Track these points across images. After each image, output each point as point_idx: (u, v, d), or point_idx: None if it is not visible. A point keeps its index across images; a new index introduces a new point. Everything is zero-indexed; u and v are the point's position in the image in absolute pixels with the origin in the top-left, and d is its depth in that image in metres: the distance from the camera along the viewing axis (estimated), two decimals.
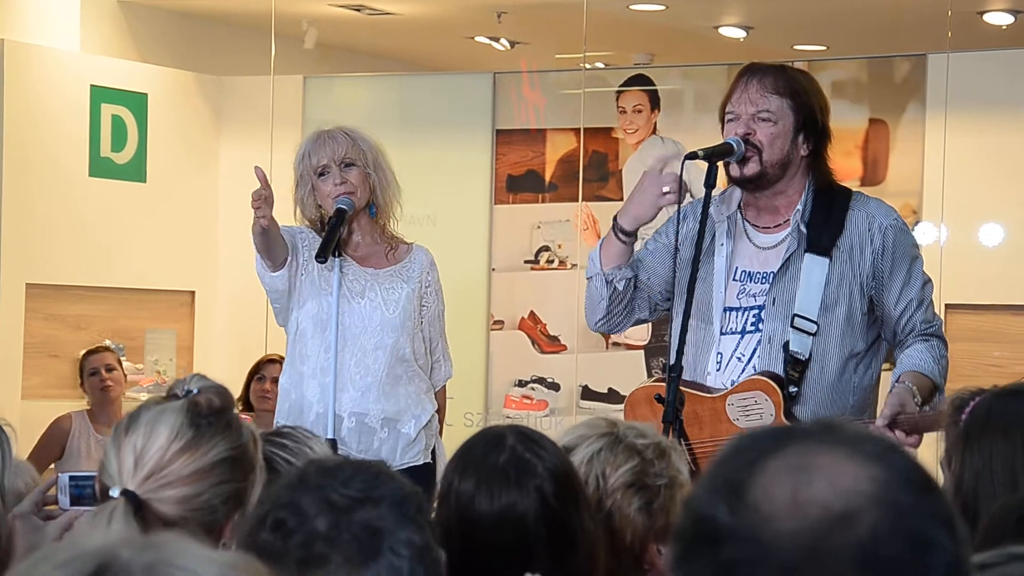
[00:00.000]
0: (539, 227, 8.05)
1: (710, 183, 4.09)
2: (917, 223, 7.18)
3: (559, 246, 8.00)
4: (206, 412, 2.47)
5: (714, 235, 4.22)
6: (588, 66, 8.45)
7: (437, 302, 4.93)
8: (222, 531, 2.45)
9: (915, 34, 8.00)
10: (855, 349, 4.13)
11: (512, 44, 9.29)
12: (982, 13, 8.09)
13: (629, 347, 7.61)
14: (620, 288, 4.29)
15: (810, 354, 4.10)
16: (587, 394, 7.88)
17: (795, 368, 4.09)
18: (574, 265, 7.94)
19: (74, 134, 8.03)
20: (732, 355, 4.16)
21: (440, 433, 4.95)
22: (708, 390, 4.15)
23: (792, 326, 4.10)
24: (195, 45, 8.94)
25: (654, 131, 7.82)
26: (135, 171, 8.28)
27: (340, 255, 4.76)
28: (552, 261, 8.02)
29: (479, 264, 8.04)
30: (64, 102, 7.99)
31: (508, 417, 7.88)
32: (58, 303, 8.00)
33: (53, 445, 7.02)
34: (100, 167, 8.14)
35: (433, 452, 4.86)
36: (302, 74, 8.60)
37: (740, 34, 8.89)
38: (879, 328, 4.20)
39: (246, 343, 7.93)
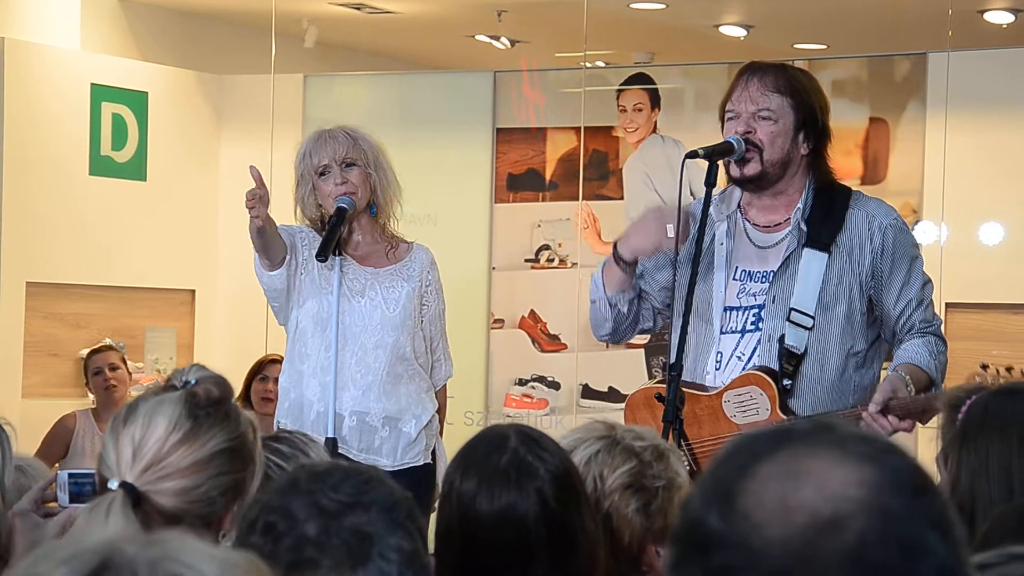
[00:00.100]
0: (539, 226, 8.04)
1: (710, 182, 4.09)
2: (917, 222, 7.18)
3: (559, 245, 8.00)
4: (204, 403, 2.46)
5: (714, 234, 4.22)
6: (588, 65, 8.45)
7: (438, 301, 4.93)
8: (221, 522, 2.44)
9: (915, 33, 8.00)
10: (855, 348, 4.13)
11: (512, 43, 9.29)
12: (982, 12, 8.09)
13: (629, 346, 7.61)
14: (624, 310, 4.30)
15: (806, 348, 4.10)
16: (587, 393, 7.88)
17: (790, 361, 4.09)
18: (574, 264, 7.94)
19: (74, 133, 8.03)
20: (732, 354, 4.16)
21: (440, 432, 4.95)
22: (705, 389, 4.15)
23: (788, 320, 4.10)
24: (195, 44, 8.94)
25: (654, 130, 7.82)
26: (135, 170, 8.28)
27: (340, 254, 4.76)
28: (552, 260, 8.02)
29: (479, 263, 8.03)
30: (64, 101, 7.99)
31: (508, 416, 7.88)
32: (58, 302, 8.00)
33: (57, 444, 7.02)
34: (100, 166, 8.14)
35: (433, 452, 4.86)
36: (302, 73, 8.60)
37: (740, 33, 8.89)
38: (879, 328, 4.20)
39: (246, 342, 7.93)
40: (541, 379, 8.01)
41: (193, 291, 8.55)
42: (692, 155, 4.07)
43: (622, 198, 7.87)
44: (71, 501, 2.65)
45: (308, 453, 2.85)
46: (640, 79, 7.96)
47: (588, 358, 7.77)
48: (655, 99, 7.85)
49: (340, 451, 4.70)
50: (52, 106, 7.94)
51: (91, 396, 7.40)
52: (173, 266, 8.40)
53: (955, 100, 7.14)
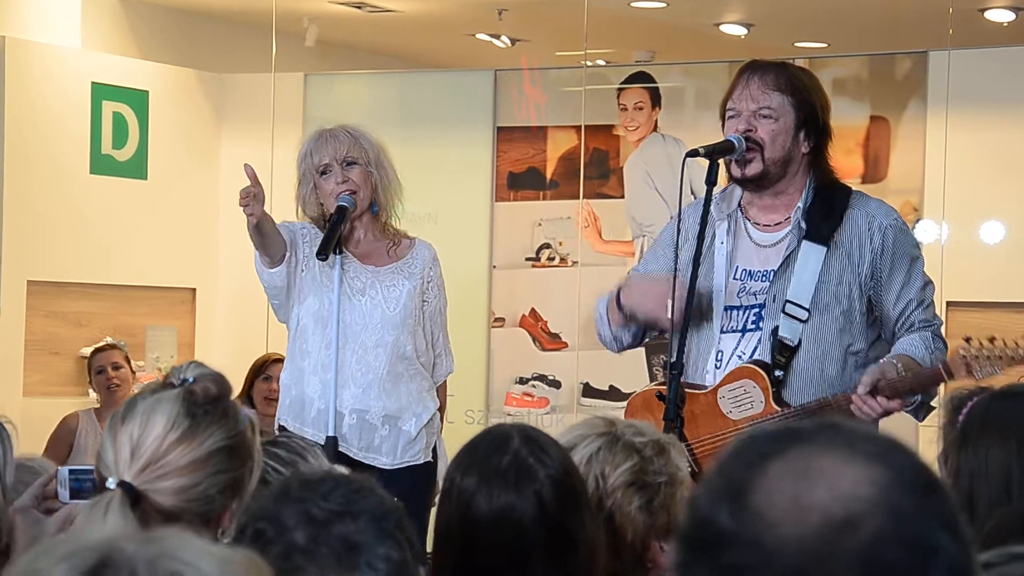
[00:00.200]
0: (540, 224, 8.04)
1: (711, 180, 4.09)
2: (918, 221, 7.18)
3: (560, 243, 8.00)
4: (202, 401, 2.46)
5: (714, 233, 4.22)
6: (589, 63, 8.45)
7: (439, 298, 4.92)
8: (220, 520, 2.44)
9: (916, 31, 8.00)
10: (854, 347, 4.13)
11: (513, 41, 9.29)
12: (983, 10, 8.09)
13: None
14: (629, 339, 4.32)
15: (800, 341, 4.10)
16: (588, 392, 7.88)
17: (783, 353, 4.09)
18: (575, 263, 7.95)
19: (75, 131, 8.03)
20: (732, 353, 4.16)
21: (440, 430, 4.95)
22: (700, 387, 4.15)
23: (783, 311, 4.10)
24: (196, 42, 8.94)
25: (655, 128, 7.82)
26: (136, 168, 8.28)
27: (341, 252, 4.76)
28: (553, 259, 8.02)
29: (480, 261, 8.03)
30: (65, 99, 7.99)
31: (509, 415, 7.88)
32: (59, 300, 8.00)
33: (62, 444, 7.03)
34: (101, 164, 8.14)
35: (434, 451, 4.86)
36: (303, 71, 8.60)
37: (741, 31, 8.89)
38: (879, 329, 4.20)
39: (247, 340, 7.93)
40: (542, 378, 8.01)
41: (194, 290, 8.55)
42: (693, 154, 4.07)
43: (623, 197, 7.87)
44: (72, 497, 2.65)
45: (307, 458, 2.84)
46: (641, 78, 7.96)
47: (589, 357, 7.77)
48: (656, 98, 7.85)
49: (340, 449, 4.70)
50: (53, 105, 7.94)
51: (93, 395, 7.40)
52: (174, 265, 8.41)
53: (956, 99, 7.14)
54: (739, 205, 4.24)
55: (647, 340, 4.43)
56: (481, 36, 9.31)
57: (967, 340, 3.93)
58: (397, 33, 9.37)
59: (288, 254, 4.75)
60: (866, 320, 4.15)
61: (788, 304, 4.10)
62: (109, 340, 7.68)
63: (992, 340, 3.89)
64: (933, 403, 4.15)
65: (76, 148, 8.03)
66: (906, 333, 4.14)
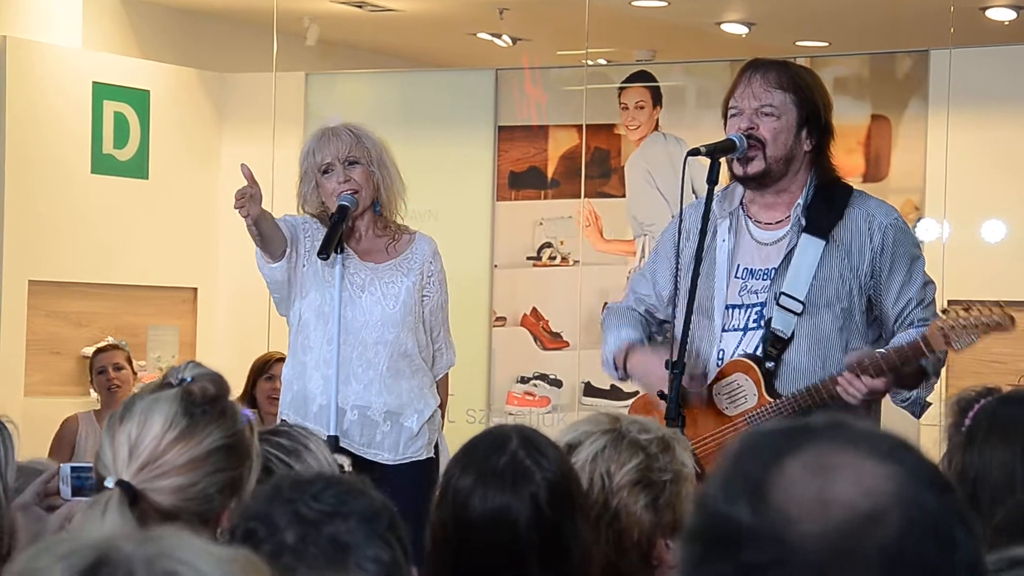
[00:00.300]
0: (541, 224, 8.05)
1: (712, 179, 4.08)
2: (919, 219, 7.18)
3: (561, 243, 8.00)
4: (200, 400, 2.46)
5: (716, 231, 4.21)
6: (590, 62, 8.45)
7: (439, 292, 4.92)
8: (219, 519, 2.44)
9: (917, 30, 8.00)
10: (855, 345, 4.12)
11: (514, 40, 9.29)
12: (984, 9, 8.09)
13: None
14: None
15: (793, 333, 4.09)
16: (589, 391, 7.88)
17: (775, 345, 4.09)
18: (576, 262, 7.95)
19: (76, 131, 8.03)
20: (734, 352, 4.16)
21: (442, 426, 4.95)
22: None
23: (777, 303, 4.10)
24: (197, 42, 8.94)
25: (656, 127, 7.82)
26: (137, 168, 8.29)
27: (342, 250, 4.76)
28: (554, 258, 8.02)
29: (481, 261, 8.04)
30: (66, 99, 7.99)
31: (510, 414, 7.88)
32: (60, 300, 8.00)
33: (64, 446, 7.03)
34: (102, 164, 8.14)
35: (436, 447, 4.86)
36: (304, 71, 8.60)
37: (742, 30, 8.89)
38: (879, 328, 4.19)
39: (248, 339, 7.93)
40: (543, 377, 8.01)
41: (195, 289, 8.56)
42: (694, 153, 4.07)
43: (624, 196, 7.87)
44: (74, 494, 2.66)
45: (309, 446, 2.85)
46: (642, 77, 7.96)
47: (590, 356, 7.76)
48: (657, 97, 7.85)
49: (342, 445, 4.70)
50: (54, 104, 7.94)
51: (94, 394, 7.40)
52: (175, 264, 8.41)
53: (957, 97, 7.14)
54: (741, 203, 4.24)
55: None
56: (482, 35, 9.31)
57: (944, 311, 3.93)
58: (398, 32, 9.38)
59: (289, 250, 4.75)
60: (866, 319, 4.15)
61: (782, 296, 4.10)
62: (111, 340, 7.68)
63: (968, 309, 3.89)
64: (930, 399, 4.14)
65: (77, 148, 8.03)
66: (905, 330, 4.13)
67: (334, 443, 4.65)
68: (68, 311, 8.04)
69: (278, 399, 6.37)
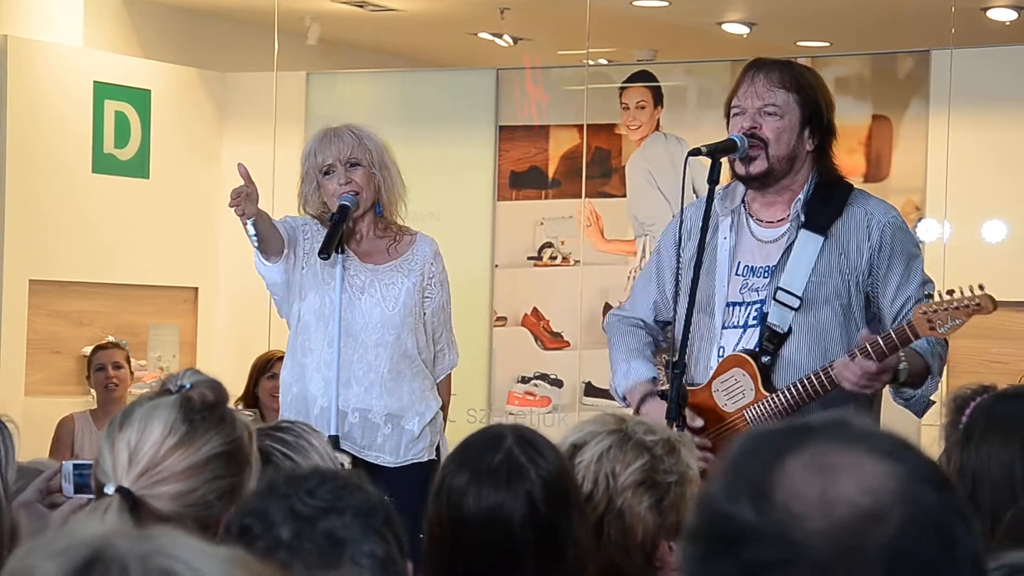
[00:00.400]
0: (542, 223, 8.05)
1: (713, 179, 4.08)
2: (920, 219, 7.18)
3: (562, 242, 8.00)
4: (199, 407, 2.46)
5: (717, 229, 4.22)
6: (591, 62, 8.45)
7: (441, 293, 4.92)
8: (218, 525, 2.44)
9: (918, 30, 8.00)
10: (854, 341, 4.11)
11: (515, 40, 9.29)
12: (985, 9, 8.09)
13: None
14: None
15: (790, 328, 4.09)
16: (590, 391, 7.88)
17: (771, 340, 4.09)
18: (577, 262, 7.95)
19: (77, 130, 8.03)
20: (734, 350, 4.16)
21: (444, 427, 4.95)
22: (695, 384, 4.16)
23: (774, 299, 4.10)
24: (198, 41, 8.94)
25: (657, 127, 7.82)
26: (138, 167, 8.29)
27: (343, 251, 4.76)
28: (555, 258, 8.02)
29: (482, 260, 8.04)
30: (67, 98, 7.99)
31: (511, 414, 7.88)
32: (61, 299, 8.00)
33: (63, 448, 7.03)
34: (103, 163, 8.14)
35: (438, 449, 4.86)
36: (305, 70, 8.60)
37: (743, 30, 8.89)
38: (879, 326, 4.18)
39: (249, 339, 7.93)
40: (544, 377, 8.01)
41: (196, 288, 8.56)
42: (695, 152, 4.07)
43: (625, 196, 7.87)
44: (76, 492, 2.67)
45: (311, 442, 2.86)
46: (643, 76, 7.96)
47: (590, 356, 7.77)
48: (658, 96, 7.85)
49: (343, 448, 4.70)
50: (55, 103, 7.94)
51: (92, 394, 7.40)
52: (176, 263, 8.41)
53: (958, 97, 7.14)
54: (743, 201, 4.24)
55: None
56: (483, 35, 9.31)
57: (927, 296, 3.94)
58: (399, 32, 9.38)
59: (286, 250, 4.75)
60: (864, 316, 4.15)
61: (779, 291, 4.10)
62: (112, 339, 7.68)
63: (951, 292, 3.90)
64: (933, 397, 4.14)
65: (78, 147, 8.03)
66: None
67: (334, 443, 4.65)
68: (69, 310, 8.04)
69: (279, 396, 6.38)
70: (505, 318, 8.05)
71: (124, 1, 8.65)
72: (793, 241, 4.13)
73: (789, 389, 4.03)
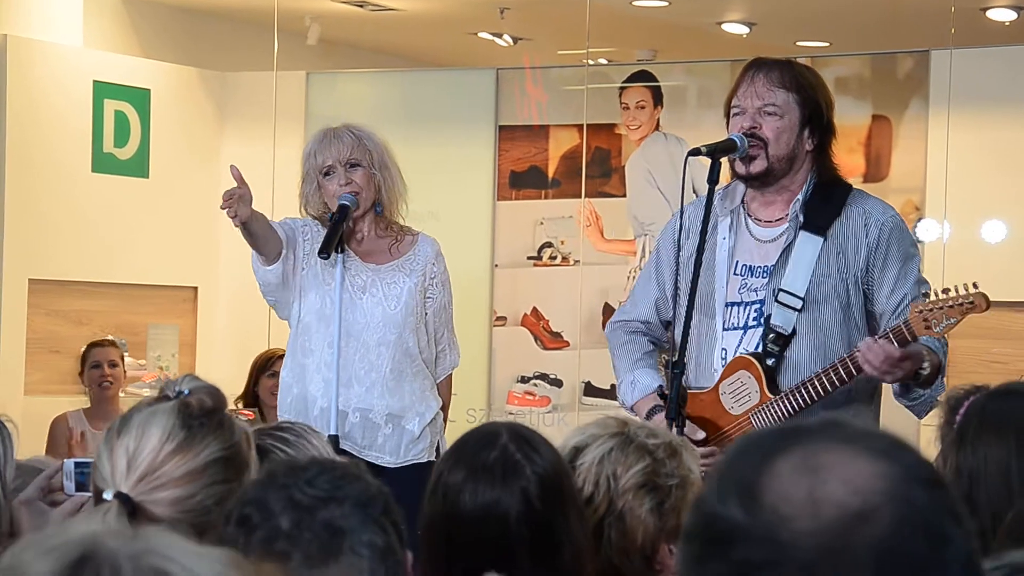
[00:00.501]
0: (542, 223, 8.05)
1: (713, 179, 4.09)
2: (920, 219, 7.18)
3: (562, 242, 8.00)
4: (198, 413, 2.46)
5: (716, 229, 4.22)
6: (591, 62, 8.45)
7: (442, 293, 4.92)
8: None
9: (918, 30, 8.00)
10: (854, 340, 4.12)
11: (515, 40, 9.29)
12: (985, 9, 8.09)
13: None
14: None
15: (794, 329, 4.09)
16: (590, 390, 7.88)
17: (776, 342, 4.09)
18: (576, 261, 7.95)
19: (77, 130, 8.03)
20: (736, 351, 4.16)
21: (444, 428, 4.95)
22: (702, 387, 4.16)
23: (776, 300, 4.10)
24: (198, 41, 8.94)
25: (657, 127, 7.82)
26: (138, 167, 8.29)
27: (343, 250, 4.76)
28: (555, 257, 8.02)
29: (482, 260, 8.04)
30: (67, 98, 7.99)
31: (511, 413, 7.88)
32: (61, 299, 8.00)
33: (60, 444, 7.03)
34: (103, 163, 8.14)
35: (438, 449, 4.86)
36: (305, 70, 8.60)
37: (743, 30, 8.89)
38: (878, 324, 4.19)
39: (248, 338, 7.93)
40: (543, 376, 8.01)
41: (195, 288, 8.55)
42: (695, 152, 4.07)
43: (625, 196, 7.87)
44: (77, 489, 2.67)
45: (311, 441, 2.87)
46: (642, 76, 7.96)
47: (590, 356, 7.77)
48: (657, 96, 7.85)
49: (343, 448, 4.70)
50: (55, 103, 7.94)
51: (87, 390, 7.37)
52: (175, 263, 8.41)
53: (958, 98, 7.14)
54: (742, 201, 4.25)
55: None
56: (483, 35, 9.31)
57: (924, 295, 3.94)
58: (399, 32, 9.38)
59: (285, 252, 4.75)
60: (864, 314, 4.15)
61: (781, 293, 4.10)
62: (110, 337, 7.68)
63: (946, 291, 3.90)
64: (940, 397, 4.14)
65: (78, 146, 8.03)
66: None
67: (334, 443, 4.65)
68: (68, 310, 8.04)
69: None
70: (505, 318, 8.06)
71: (124, 1, 8.65)
72: (792, 241, 4.14)
73: (792, 391, 4.03)
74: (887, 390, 4.19)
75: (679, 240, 4.24)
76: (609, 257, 7.90)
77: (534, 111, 8.07)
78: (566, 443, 2.72)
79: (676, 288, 4.21)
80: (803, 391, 4.02)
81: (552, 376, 7.99)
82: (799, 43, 9.12)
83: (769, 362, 4.09)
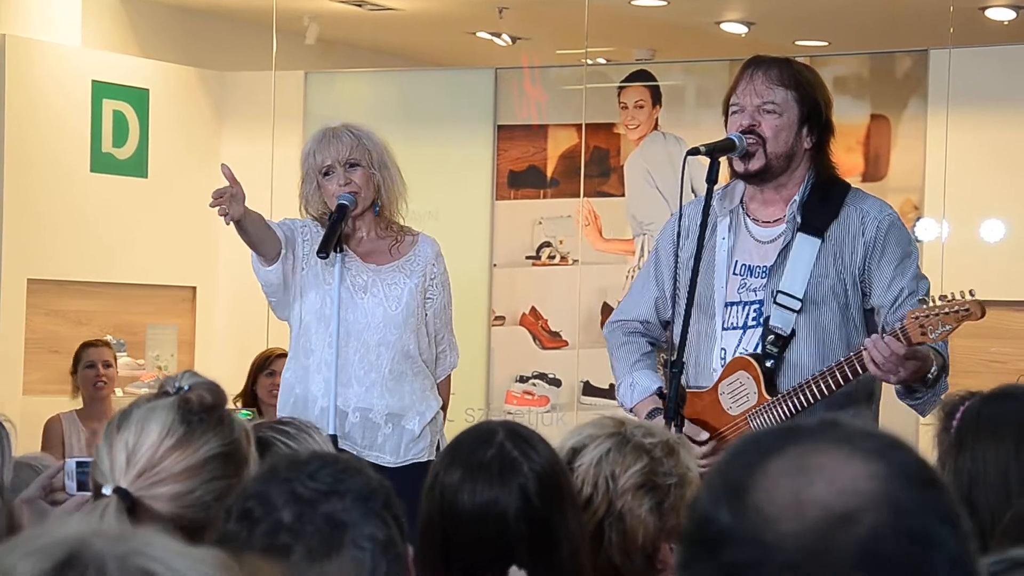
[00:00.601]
0: (540, 223, 8.05)
1: (712, 179, 4.09)
2: (919, 219, 7.18)
3: (560, 242, 8.01)
4: (197, 409, 2.46)
5: (715, 229, 4.22)
6: (590, 62, 8.45)
7: (442, 294, 4.92)
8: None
9: (917, 30, 8.00)
10: (855, 340, 4.12)
11: (513, 39, 9.29)
12: (984, 9, 8.09)
13: None
14: None
15: (793, 330, 4.09)
16: (588, 390, 7.88)
17: (775, 344, 4.09)
18: (575, 261, 7.95)
19: (75, 129, 8.03)
20: (735, 351, 4.16)
21: (442, 427, 4.95)
22: (701, 387, 4.16)
23: (775, 302, 4.10)
24: (197, 40, 8.94)
25: (655, 127, 7.82)
26: (136, 166, 8.29)
27: (342, 250, 4.76)
28: (553, 257, 8.03)
29: (480, 260, 8.04)
30: (65, 97, 7.99)
31: (509, 413, 7.88)
32: (59, 299, 8.00)
33: (55, 445, 7.02)
34: (101, 162, 8.14)
35: (438, 448, 4.86)
36: (303, 69, 8.60)
37: (742, 30, 8.89)
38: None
39: (247, 338, 7.93)
40: (542, 376, 8.01)
41: (194, 288, 8.56)
42: (694, 152, 4.07)
43: (623, 195, 7.87)
44: (78, 489, 2.67)
45: (312, 435, 2.88)
46: (641, 76, 7.96)
47: (589, 355, 7.77)
48: (656, 96, 7.86)
49: (344, 447, 4.70)
50: (53, 103, 7.94)
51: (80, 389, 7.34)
52: (174, 263, 8.41)
53: (956, 97, 7.14)
54: (741, 201, 4.25)
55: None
56: (482, 34, 9.31)
57: (921, 301, 3.93)
58: (398, 31, 9.38)
59: (284, 252, 4.75)
60: (863, 315, 4.15)
61: (780, 294, 4.10)
62: (108, 338, 7.67)
63: (944, 297, 3.89)
64: (944, 396, 4.13)
65: (76, 146, 8.03)
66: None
67: (333, 442, 4.65)
68: (67, 310, 8.04)
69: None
70: (503, 317, 8.06)
71: (122, 0, 8.65)
72: (790, 242, 4.14)
73: (793, 392, 4.03)
74: (886, 391, 4.19)
75: (678, 241, 4.24)
76: (608, 257, 7.90)
77: (533, 111, 8.07)
78: (563, 444, 2.72)
79: (675, 288, 4.21)
80: (801, 393, 4.01)
81: (551, 376, 7.99)
82: (798, 42, 9.12)
83: (768, 363, 4.09)
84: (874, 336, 3.90)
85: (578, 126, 7.95)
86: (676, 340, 4.02)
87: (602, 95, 7.94)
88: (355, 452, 4.70)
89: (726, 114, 4.20)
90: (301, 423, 2.94)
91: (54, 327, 7.97)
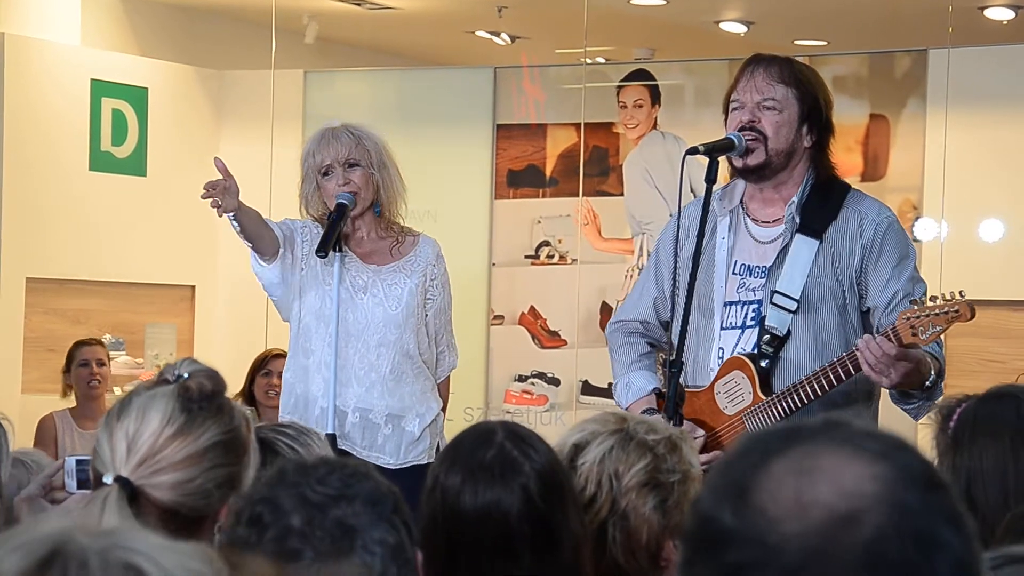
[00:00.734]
0: (539, 222, 8.05)
1: (711, 178, 4.08)
2: (918, 219, 7.18)
3: (559, 241, 8.00)
4: (197, 396, 2.46)
5: (715, 229, 4.22)
6: (589, 61, 8.45)
7: (443, 295, 4.92)
8: (217, 515, 2.45)
9: (916, 29, 8.01)
10: (851, 342, 4.11)
11: (513, 39, 9.29)
12: (983, 8, 8.09)
13: None
14: None
15: (789, 330, 4.09)
16: (587, 389, 7.88)
17: (770, 344, 4.09)
18: (574, 260, 7.95)
19: (74, 128, 8.03)
20: (733, 350, 4.17)
21: (442, 428, 4.95)
22: (698, 386, 4.16)
23: (771, 302, 4.10)
24: (196, 39, 8.94)
25: (655, 126, 7.82)
26: (135, 165, 8.29)
27: (341, 250, 4.76)
28: (552, 256, 8.03)
29: (479, 259, 8.04)
30: (64, 96, 7.99)
31: (508, 412, 7.88)
32: (58, 297, 8.00)
33: (48, 444, 7.02)
34: (100, 161, 8.14)
35: (438, 450, 4.85)
36: (302, 68, 8.60)
37: (741, 29, 8.89)
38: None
39: (246, 337, 7.93)
40: (541, 375, 8.01)
41: (193, 287, 8.56)
42: (693, 151, 4.07)
43: (622, 194, 7.87)
44: (79, 487, 2.67)
45: (312, 439, 2.89)
46: (640, 75, 7.96)
47: (588, 354, 7.77)
48: (655, 95, 7.86)
49: (344, 448, 4.70)
50: (52, 102, 7.94)
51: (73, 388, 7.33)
52: (173, 262, 8.41)
53: (955, 96, 7.14)
54: (741, 201, 4.25)
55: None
56: (481, 33, 9.31)
57: (912, 302, 3.93)
58: (397, 30, 9.38)
59: (283, 250, 4.74)
60: (860, 316, 4.15)
61: (776, 295, 4.10)
62: (108, 337, 7.67)
63: (934, 298, 3.89)
64: (939, 401, 4.14)
65: (75, 145, 8.03)
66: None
67: (332, 442, 4.65)
68: (66, 308, 8.04)
69: (276, 395, 6.39)
70: (502, 316, 8.06)
71: None
72: (788, 243, 4.14)
73: (787, 393, 4.03)
74: (886, 392, 4.18)
75: (678, 240, 4.24)
76: (607, 256, 7.90)
77: (532, 110, 8.07)
78: (565, 440, 2.71)
79: (675, 288, 4.21)
80: (795, 393, 4.01)
81: (550, 375, 7.99)
82: (797, 42, 9.12)
83: (763, 363, 4.09)
84: (866, 336, 3.91)
85: (577, 125, 7.95)
86: (675, 340, 4.02)
87: (601, 94, 7.94)
88: (355, 453, 4.70)
89: (726, 112, 4.20)
90: (301, 427, 2.95)
91: (53, 326, 7.97)
